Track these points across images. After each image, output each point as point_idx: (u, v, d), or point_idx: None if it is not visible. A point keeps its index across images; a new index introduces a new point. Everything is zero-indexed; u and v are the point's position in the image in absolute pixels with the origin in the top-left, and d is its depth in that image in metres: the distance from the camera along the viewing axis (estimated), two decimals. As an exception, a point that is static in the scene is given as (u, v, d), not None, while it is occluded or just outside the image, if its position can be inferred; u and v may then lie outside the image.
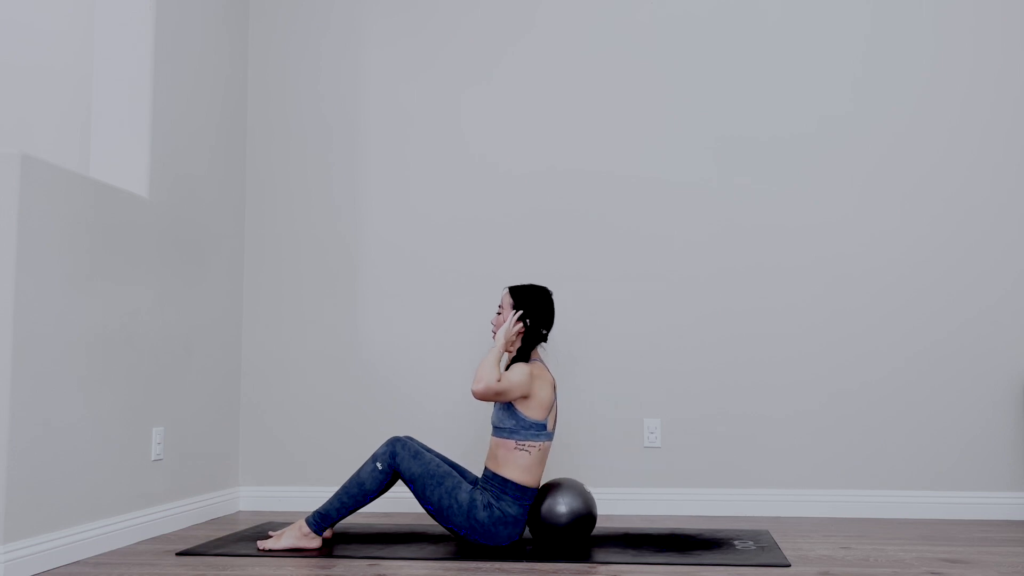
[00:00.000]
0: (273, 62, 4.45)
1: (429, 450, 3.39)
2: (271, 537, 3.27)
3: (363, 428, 4.25)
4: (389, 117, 4.37)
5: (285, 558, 3.07)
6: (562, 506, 3.27)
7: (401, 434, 4.21)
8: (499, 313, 3.43)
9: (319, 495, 4.20)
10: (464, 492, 3.20)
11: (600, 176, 4.23)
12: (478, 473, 4.13)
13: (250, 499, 4.27)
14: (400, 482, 3.87)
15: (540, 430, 3.25)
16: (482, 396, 3.18)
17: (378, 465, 3.23)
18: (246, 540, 3.37)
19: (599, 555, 3.07)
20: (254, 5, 4.48)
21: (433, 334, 4.26)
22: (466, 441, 4.19)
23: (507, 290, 3.44)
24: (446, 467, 3.26)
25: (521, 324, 3.35)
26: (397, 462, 3.23)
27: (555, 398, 3.31)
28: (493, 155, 4.30)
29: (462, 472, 3.41)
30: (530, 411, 3.24)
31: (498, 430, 3.27)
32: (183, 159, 3.84)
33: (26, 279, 2.86)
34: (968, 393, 3.99)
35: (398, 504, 4.15)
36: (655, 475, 4.10)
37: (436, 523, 3.72)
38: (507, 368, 3.29)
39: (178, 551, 3.19)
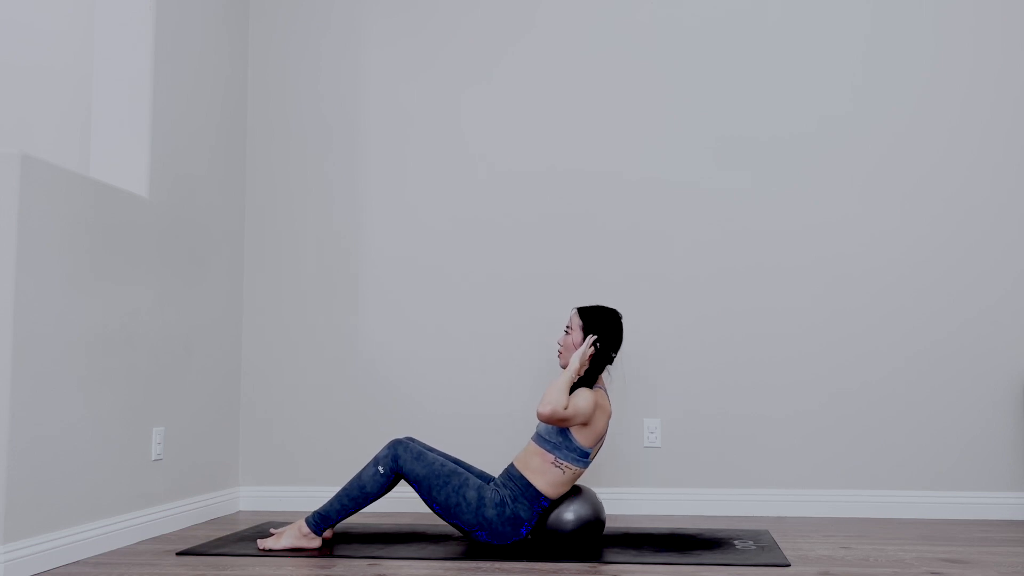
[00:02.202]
0: (273, 62, 4.45)
1: (432, 449, 3.39)
2: (271, 536, 3.27)
3: (363, 428, 4.25)
4: (389, 117, 4.37)
5: (285, 558, 3.07)
6: (570, 513, 3.25)
7: (401, 435, 4.21)
8: (567, 333, 3.37)
9: (319, 495, 4.20)
10: (472, 489, 3.19)
11: (600, 176, 4.23)
12: (483, 468, 4.13)
13: (250, 499, 4.27)
14: (402, 482, 3.88)
15: (582, 456, 3.22)
16: (547, 420, 3.14)
17: (380, 468, 3.23)
18: (246, 540, 3.37)
19: (600, 555, 3.07)
20: (254, 5, 4.48)
21: (433, 334, 4.25)
22: (467, 442, 4.19)
23: (576, 311, 3.37)
24: (451, 465, 3.24)
25: (593, 348, 3.32)
26: (400, 464, 3.22)
27: (607, 429, 3.29)
28: (493, 155, 4.30)
29: (468, 468, 3.40)
30: (582, 437, 3.21)
31: (542, 439, 3.24)
32: (183, 159, 3.84)
33: (26, 279, 2.86)
34: (968, 393, 3.99)
35: (398, 504, 4.15)
36: (655, 475, 4.10)
37: (436, 523, 3.73)
38: (572, 390, 3.24)
39: (178, 551, 3.19)
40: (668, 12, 4.26)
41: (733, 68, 4.21)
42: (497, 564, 2.96)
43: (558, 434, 3.21)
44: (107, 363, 3.28)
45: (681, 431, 4.11)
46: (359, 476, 3.24)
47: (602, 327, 3.32)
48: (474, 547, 3.21)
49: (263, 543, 3.21)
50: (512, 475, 3.25)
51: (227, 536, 3.47)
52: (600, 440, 3.26)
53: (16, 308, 2.81)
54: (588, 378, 3.29)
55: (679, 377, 4.13)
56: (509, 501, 3.19)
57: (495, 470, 4.14)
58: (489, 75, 4.33)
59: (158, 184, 3.66)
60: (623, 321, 3.60)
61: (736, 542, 3.29)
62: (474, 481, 3.22)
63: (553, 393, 3.13)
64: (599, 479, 4.12)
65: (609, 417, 3.27)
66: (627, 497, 4.09)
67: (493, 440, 4.16)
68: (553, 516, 3.25)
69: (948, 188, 4.08)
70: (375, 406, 4.26)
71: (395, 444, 3.25)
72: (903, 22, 4.15)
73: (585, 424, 3.19)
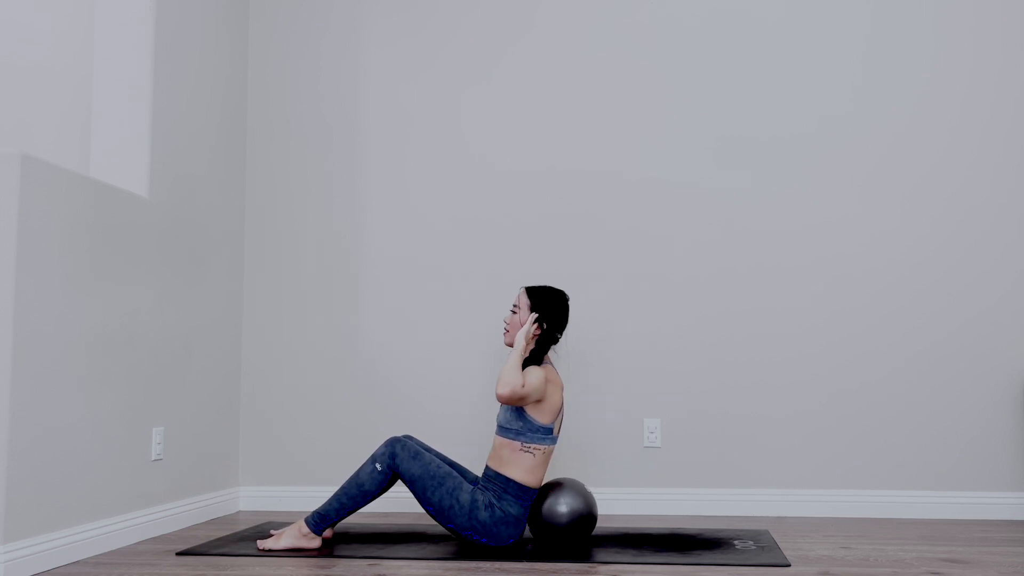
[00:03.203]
0: (273, 62, 4.45)
1: (429, 449, 3.39)
2: (271, 537, 3.27)
3: (363, 428, 4.25)
4: (389, 117, 4.37)
5: (285, 558, 3.07)
6: (563, 506, 3.27)
7: (400, 434, 4.21)
8: (514, 311, 3.40)
9: (319, 495, 4.20)
10: (465, 493, 3.20)
11: (600, 176, 4.23)
12: (478, 472, 4.13)
13: (250, 499, 4.27)
14: (400, 482, 3.88)
15: (547, 434, 3.25)
16: (507, 401, 3.17)
17: (377, 466, 3.23)
18: (246, 540, 3.37)
19: (599, 555, 3.07)
20: (254, 5, 4.48)
21: (433, 333, 4.25)
22: (467, 441, 4.19)
23: (524, 290, 3.41)
24: (446, 467, 3.25)
25: (538, 326, 3.34)
26: (397, 463, 3.22)
27: (562, 402, 3.32)
28: (493, 155, 4.30)
29: (462, 472, 3.41)
30: (540, 415, 3.24)
31: (504, 430, 3.27)
32: (183, 159, 3.84)
33: (26, 279, 2.86)
34: (968, 393, 3.99)
35: (398, 504, 4.15)
36: (655, 475, 4.10)
37: (436, 523, 3.73)
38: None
39: (178, 551, 3.19)
40: (668, 12, 4.26)
41: (733, 68, 4.21)
42: (497, 564, 2.96)
43: (517, 419, 3.24)
44: (107, 363, 3.28)
45: (681, 431, 4.11)
46: (357, 475, 3.24)
47: (547, 306, 3.36)
48: (474, 548, 3.21)
49: (263, 544, 3.21)
50: (489, 475, 3.27)
51: (227, 536, 3.47)
52: (558, 414, 3.28)
53: (16, 308, 2.81)
54: (534, 357, 3.34)
55: (679, 377, 4.13)
56: (495, 500, 3.20)
57: (495, 470, 4.14)
58: (489, 75, 4.33)
59: (158, 184, 3.66)
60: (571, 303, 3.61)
61: (736, 542, 3.29)
62: (467, 485, 3.23)
63: (508, 374, 3.18)
64: (599, 479, 4.12)
65: (562, 389, 3.32)
66: (627, 497, 4.09)
67: (492, 440, 4.16)
68: (545, 508, 3.27)
69: (948, 188, 4.08)
70: (375, 406, 4.26)
71: (393, 442, 3.25)
72: (903, 22, 4.15)
73: (540, 401, 3.23)
